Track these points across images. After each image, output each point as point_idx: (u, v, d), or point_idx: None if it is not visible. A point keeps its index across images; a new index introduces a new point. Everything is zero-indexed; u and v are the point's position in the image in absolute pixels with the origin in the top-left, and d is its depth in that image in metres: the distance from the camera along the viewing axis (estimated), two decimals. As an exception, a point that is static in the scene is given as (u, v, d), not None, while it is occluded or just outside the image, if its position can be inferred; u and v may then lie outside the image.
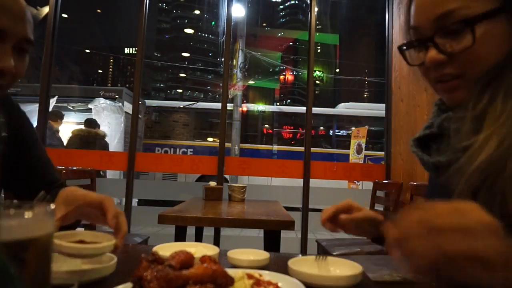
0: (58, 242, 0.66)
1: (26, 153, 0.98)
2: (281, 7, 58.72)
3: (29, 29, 0.79)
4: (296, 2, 57.18)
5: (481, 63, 0.62)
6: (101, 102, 7.97)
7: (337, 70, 52.34)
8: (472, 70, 0.63)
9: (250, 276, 0.65)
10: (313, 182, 3.51)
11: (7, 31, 0.74)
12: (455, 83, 0.66)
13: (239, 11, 8.68)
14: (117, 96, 8.70)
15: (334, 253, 2.24)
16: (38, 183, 0.98)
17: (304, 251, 3.34)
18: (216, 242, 3.21)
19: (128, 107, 8.16)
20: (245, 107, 10.98)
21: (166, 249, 0.83)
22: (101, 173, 4.97)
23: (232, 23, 3.74)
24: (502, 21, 0.61)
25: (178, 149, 9.04)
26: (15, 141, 0.94)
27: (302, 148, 3.69)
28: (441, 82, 0.67)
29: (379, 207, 2.91)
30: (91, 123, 5.88)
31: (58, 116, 5.62)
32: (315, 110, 4.24)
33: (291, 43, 45.95)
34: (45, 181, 1.00)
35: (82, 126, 5.92)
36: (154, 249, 0.84)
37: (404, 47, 0.74)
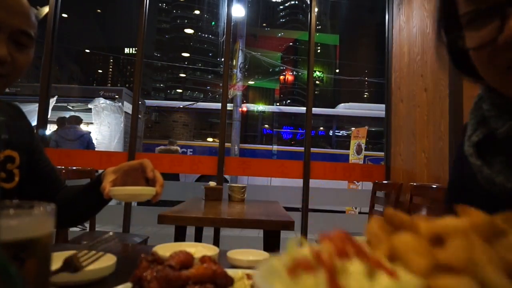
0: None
1: (39, 161, 1.03)
2: (281, 7, 58.73)
3: (25, 22, 0.80)
4: (296, 2, 57.18)
5: None
6: (101, 102, 7.98)
7: (337, 70, 52.40)
8: None
9: (249, 277, 0.65)
10: (313, 183, 3.50)
11: (0, 22, 0.75)
12: None
13: (239, 11, 8.68)
14: (117, 96, 8.70)
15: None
16: (51, 188, 1.04)
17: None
18: (216, 242, 3.20)
19: (128, 107, 8.16)
20: (245, 107, 10.98)
21: (166, 249, 0.83)
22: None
23: (232, 23, 3.74)
24: None
25: (178, 149, 9.04)
26: (28, 150, 0.98)
27: (302, 149, 3.69)
28: None
29: (379, 208, 2.91)
30: (172, 142, 7.51)
31: (78, 121, 6.10)
32: (315, 110, 4.25)
33: (291, 43, 45.95)
34: (55, 186, 1.06)
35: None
36: (154, 249, 0.83)
37: (455, 27, 0.54)
